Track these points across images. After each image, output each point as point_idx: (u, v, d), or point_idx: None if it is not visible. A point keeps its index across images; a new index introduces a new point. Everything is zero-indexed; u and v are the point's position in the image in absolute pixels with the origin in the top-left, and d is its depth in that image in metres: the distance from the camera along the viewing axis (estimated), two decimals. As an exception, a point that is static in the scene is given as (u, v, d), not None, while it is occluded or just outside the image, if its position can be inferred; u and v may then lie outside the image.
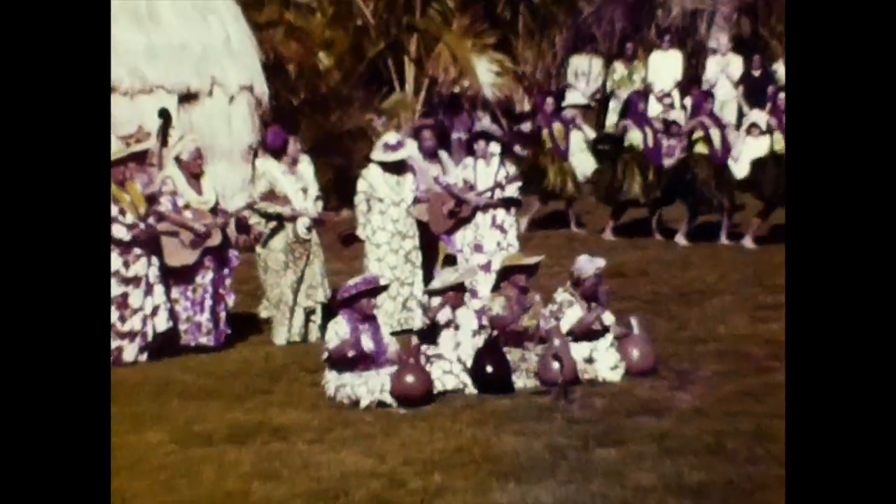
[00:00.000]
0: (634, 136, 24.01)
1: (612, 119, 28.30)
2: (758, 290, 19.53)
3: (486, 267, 17.96)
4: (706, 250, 22.98)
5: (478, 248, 18.17)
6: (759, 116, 25.31)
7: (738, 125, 27.39)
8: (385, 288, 16.55)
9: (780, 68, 29.55)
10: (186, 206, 17.77)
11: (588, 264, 16.62)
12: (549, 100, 25.60)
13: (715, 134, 23.50)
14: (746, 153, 24.14)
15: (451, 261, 18.58)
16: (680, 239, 24.11)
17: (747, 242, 23.49)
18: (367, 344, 15.76)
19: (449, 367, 15.92)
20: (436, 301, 16.31)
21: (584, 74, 28.85)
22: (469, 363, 16.00)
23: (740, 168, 23.56)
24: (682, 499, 12.64)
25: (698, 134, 23.51)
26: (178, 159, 18.28)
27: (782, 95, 26.66)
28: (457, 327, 16.23)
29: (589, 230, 24.66)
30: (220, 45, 22.48)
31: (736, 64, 29.02)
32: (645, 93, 28.33)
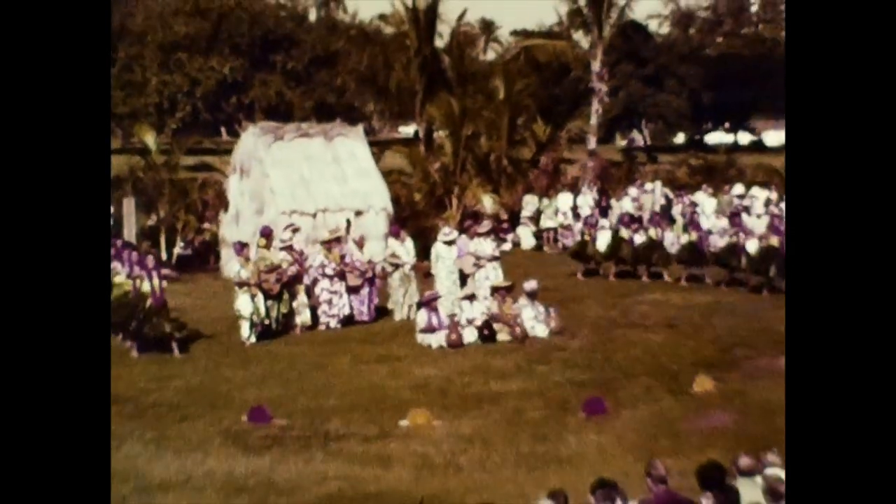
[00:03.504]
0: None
1: (543, 223, 27.97)
2: (607, 298, 19.16)
3: (491, 289, 17.70)
4: (588, 281, 22.49)
5: (486, 278, 17.89)
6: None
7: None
8: (439, 297, 16.52)
9: (614, 203, 28.29)
10: (356, 260, 17.79)
11: (528, 283, 16.59)
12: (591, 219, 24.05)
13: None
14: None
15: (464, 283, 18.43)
16: (610, 278, 21.35)
17: (665, 277, 20.91)
18: (434, 321, 15.69)
19: (472, 332, 15.68)
20: (466, 301, 16.36)
21: (531, 204, 28.60)
22: (477, 327, 15.91)
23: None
24: (574, 388, 12.73)
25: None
26: (353, 240, 18.36)
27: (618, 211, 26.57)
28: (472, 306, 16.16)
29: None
30: (372, 190, 22.39)
31: (595, 199, 28.56)
32: (603, 210, 26.89)
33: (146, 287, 14.80)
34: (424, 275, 18.67)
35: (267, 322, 16.24)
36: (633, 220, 22.85)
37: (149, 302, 14.80)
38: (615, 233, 22.02)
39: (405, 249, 18.20)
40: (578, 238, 23.39)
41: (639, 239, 21.59)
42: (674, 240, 21.78)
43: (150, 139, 26.17)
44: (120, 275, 15.48)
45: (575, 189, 29.87)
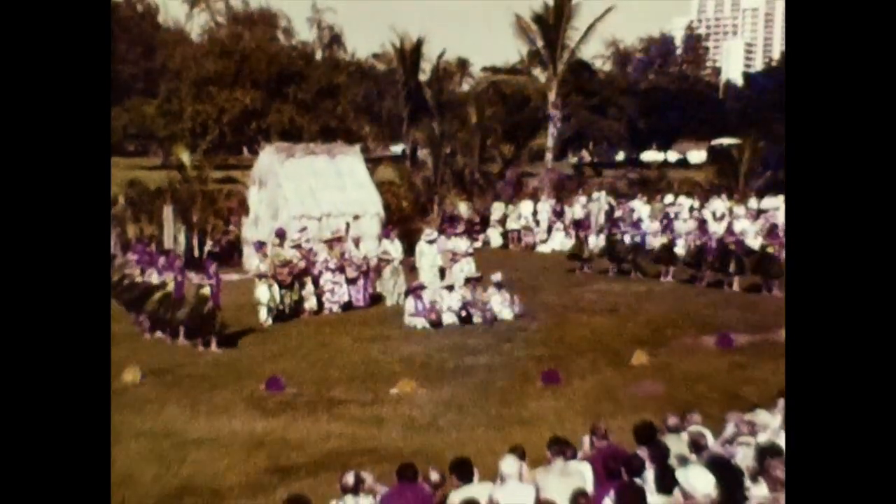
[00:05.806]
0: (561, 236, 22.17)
1: (509, 226, 27.78)
2: (559, 287, 19.11)
3: (465, 280, 17.58)
4: (544, 273, 22.42)
5: (461, 270, 17.74)
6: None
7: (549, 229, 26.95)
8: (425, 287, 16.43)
9: (567, 209, 27.30)
10: (354, 256, 17.63)
11: (495, 275, 16.46)
12: (586, 222, 23.60)
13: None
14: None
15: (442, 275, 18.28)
16: (611, 274, 20.16)
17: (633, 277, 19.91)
18: (420, 307, 15.60)
19: (451, 315, 15.64)
20: (445, 290, 16.23)
21: (499, 209, 28.37)
22: (456, 312, 15.81)
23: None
24: (533, 362, 12.64)
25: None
26: (352, 240, 18.20)
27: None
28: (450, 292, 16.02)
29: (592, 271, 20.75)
30: (367, 198, 22.20)
31: (552, 205, 28.38)
32: (558, 214, 26.72)
33: (206, 290, 14.13)
34: (410, 268, 18.60)
35: (281, 307, 16.14)
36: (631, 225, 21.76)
37: (209, 303, 14.31)
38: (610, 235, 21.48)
39: (394, 247, 18.13)
40: (538, 239, 23.28)
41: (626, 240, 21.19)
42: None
43: (185, 158, 26.46)
44: (167, 281, 15.04)
45: (535, 197, 29.83)
